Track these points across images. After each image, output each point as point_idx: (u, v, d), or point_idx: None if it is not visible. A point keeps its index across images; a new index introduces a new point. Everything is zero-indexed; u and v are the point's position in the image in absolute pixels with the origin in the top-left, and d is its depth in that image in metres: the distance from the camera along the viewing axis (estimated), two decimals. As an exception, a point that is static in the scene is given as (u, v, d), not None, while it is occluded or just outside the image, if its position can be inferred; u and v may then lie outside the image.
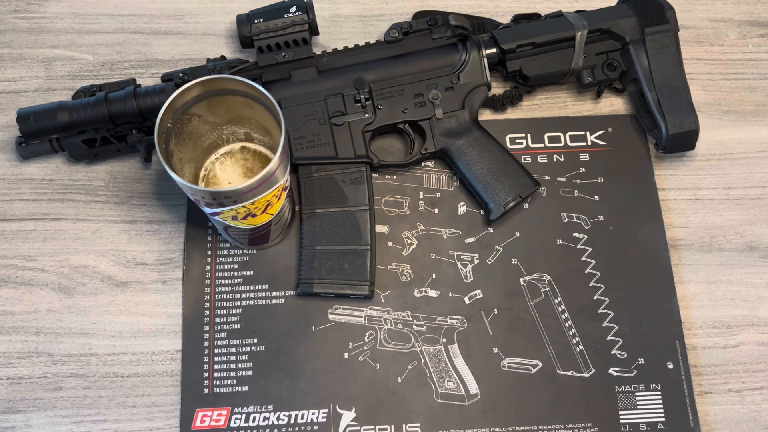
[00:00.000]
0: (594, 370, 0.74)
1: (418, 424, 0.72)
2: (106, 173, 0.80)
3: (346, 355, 0.73)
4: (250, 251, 0.77)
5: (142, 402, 0.72)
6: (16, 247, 0.77)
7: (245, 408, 0.72)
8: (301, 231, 0.75)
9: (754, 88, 0.85)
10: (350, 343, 0.74)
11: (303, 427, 0.71)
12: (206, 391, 0.72)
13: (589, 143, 0.81)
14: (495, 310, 0.75)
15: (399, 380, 0.73)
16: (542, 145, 0.81)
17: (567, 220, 0.78)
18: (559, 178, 0.80)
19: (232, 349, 0.74)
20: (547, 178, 0.80)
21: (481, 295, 0.76)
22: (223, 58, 0.79)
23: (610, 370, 0.74)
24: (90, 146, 0.77)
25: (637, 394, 0.73)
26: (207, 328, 0.74)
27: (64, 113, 0.74)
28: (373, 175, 0.79)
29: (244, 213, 0.64)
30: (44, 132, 0.75)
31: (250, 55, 0.84)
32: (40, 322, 0.75)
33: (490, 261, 0.77)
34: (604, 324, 0.75)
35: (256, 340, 0.74)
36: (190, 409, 0.72)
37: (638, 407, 0.72)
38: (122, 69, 0.84)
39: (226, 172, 0.73)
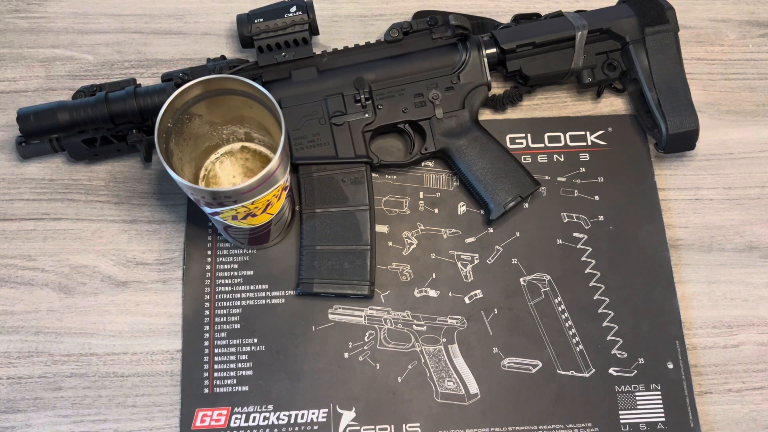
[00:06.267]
0: (594, 370, 0.74)
1: (418, 424, 0.72)
2: (106, 173, 0.80)
3: (346, 355, 0.73)
4: (250, 251, 0.77)
5: (142, 402, 0.72)
6: (16, 247, 0.77)
7: (245, 408, 0.72)
8: (301, 231, 0.75)
9: (754, 88, 0.85)
10: (350, 343, 0.74)
11: (303, 427, 0.71)
12: (206, 390, 0.72)
13: (589, 143, 0.81)
14: (495, 310, 0.75)
15: (399, 380, 0.73)
16: (542, 145, 0.81)
17: (567, 220, 0.78)
18: (559, 178, 0.80)
19: (232, 349, 0.74)
20: (547, 178, 0.80)
21: (481, 295, 0.76)
22: (223, 57, 0.79)
23: (610, 370, 0.74)
24: (90, 146, 0.77)
25: (637, 394, 0.73)
26: (207, 328, 0.74)
27: (64, 113, 0.74)
28: (373, 175, 0.79)
29: (244, 213, 0.64)
30: (44, 132, 0.75)
31: (250, 55, 0.84)
32: (40, 322, 0.75)
33: (490, 261, 0.77)
34: (604, 324, 0.75)
35: (256, 340, 0.74)
36: (190, 409, 0.72)
37: (638, 407, 0.72)
38: (122, 69, 0.84)
39: (226, 171, 0.73)
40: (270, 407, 0.72)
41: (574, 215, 0.79)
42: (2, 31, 0.86)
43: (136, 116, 0.74)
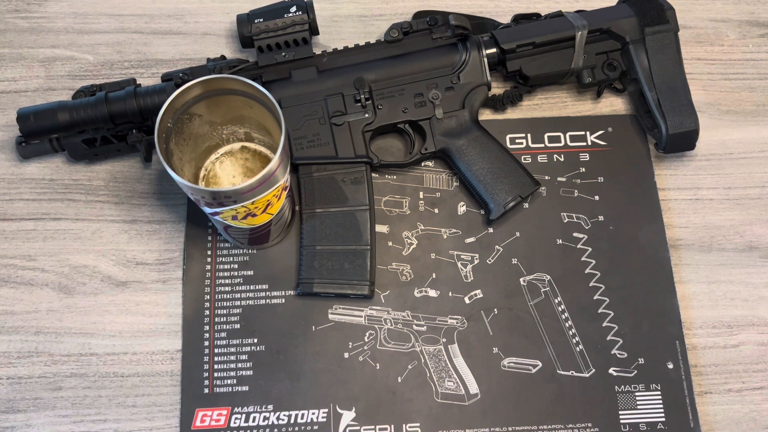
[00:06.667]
0: (594, 370, 0.74)
1: (418, 424, 0.72)
2: (106, 173, 0.80)
3: (346, 355, 0.73)
4: (250, 251, 0.77)
5: (142, 402, 0.72)
6: (16, 247, 0.77)
7: (245, 408, 0.72)
8: (301, 231, 0.75)
9: (754, 88, 0.85)
10: (350, 343, 0.74)
11: (303, 427, 0.71)
12: (206, 390, 0.72)
13: (589, 143, 0.81)
14: (495, 310, 0.75)
15: (399, 380, 0.73)
16: (542, 145, 0.81)
17: (567, 220, 0.78)
18: (559, 178, 0.80)
19: (232, 349, 0.74)
20: (547, 178, 0.80)
21: (481, 295, 0.76)
22: (223, 57, 0.79)
23: (610, 370, 0.74)
24: (90, 146, 0.77)
25: (637, 394, 0.73)
26: (207, 328, 0.74)
27: (64, 113, 0.74)
28: (373, 175, 0.79)
29: (244, 213, 0.64)
30: (44, 132, 0.75)
31: (250, 55, 0.84)
32: (40, 322, 0.75)
33: (490, 261, 0.77)
34: (604, 324, 0.75)
35: (256, 340, 0.74)
36: (190, 409, 0.72)
37: (638, 407, 0.72)
38: (122, 69, 0.84)
39: (226, 171, 0.73)
40: (270, 407, 0.72)
41: (574, 215, 0.79)
42: (2, 31, 0.86)
43: (136, 116, 0.74)
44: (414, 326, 0.75)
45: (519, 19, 0.82)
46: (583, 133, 0.82)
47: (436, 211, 0.79)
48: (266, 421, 0.72)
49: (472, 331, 0.75)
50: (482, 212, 0.78)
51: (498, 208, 0.76)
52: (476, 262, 0.77)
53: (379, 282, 0.76)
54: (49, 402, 0.72)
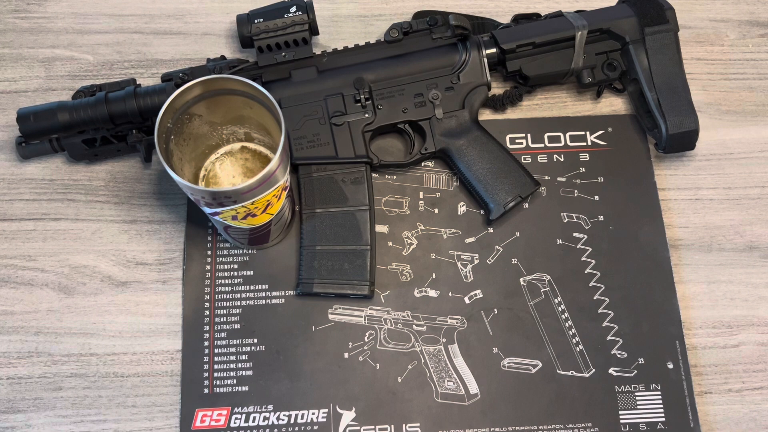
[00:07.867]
0: (594, 370, 0.74)
1: (418, 424, 0.72)
2: (106, 173, 0.80)
3: (346, 355, 0.73)
4: (250, 251, 0.77)
5: (142, 402, 0.72)
6: (16, 247, 0.77)
7: (245, 408, 0.72)
8: (301, 231, 0.75)
9: (754, 88, 0.85)
10: (350, 343, 0.74)
11: (303, 427, 0.71)
12: (206, 391, 0.72)
13: (589, 143, 0.81)
14: (495, 310, 0.75)
15: (399, 380, 0.73)
16: (542, 145, 0.81)
17: (567, 220, 0.78)
18: (559, 178, 0.80)
19: (232, 349, 0.74)
20: (547, 178, 0.80)
21: (481, 295, 0.76)
22: (223, 58, 0.79)
23: (610, 370, 0.74)
24: (90, 146, 0.77)
25: (637, 394, 0.73)
26: (207, 328, 0.74)
27: (64, 113, 0.74)
28: (373, 175, 0.79)
29: (244, 213, 0.64)
30: (44, 132, 0.75)
31: (250, 55, 0.84)
32: (40, 322, 0.75)
33: (490, 261, 0.77)
34: (604, 324, 0.75)
35: (256, 340, 0.74)
36: (190, 409, 0.72)
37: (638, 407, 0.72)
38: (122, 69, 0.84)
39: (226, 171, 0.73)
40: (270, 407, 0.72)
41: (574, 215, 0.79)
42: (2, 31, 0.86)
43: (136, 116, 0.74)
44: (414, 326, 0.75)
45: (519, 19, 0.82)
46: (583, 133, 0.82)
47: (436, 211, 0.79)
48: (266, 421, 0.72)
49: (472, 331, 0.75)
50: (482, 212, 0.78)
51: (498, 208, 0.76)
52: (476, 262, 0.77)
53: (379, 282, 0.76)
54: (49, 402, 0.72)
